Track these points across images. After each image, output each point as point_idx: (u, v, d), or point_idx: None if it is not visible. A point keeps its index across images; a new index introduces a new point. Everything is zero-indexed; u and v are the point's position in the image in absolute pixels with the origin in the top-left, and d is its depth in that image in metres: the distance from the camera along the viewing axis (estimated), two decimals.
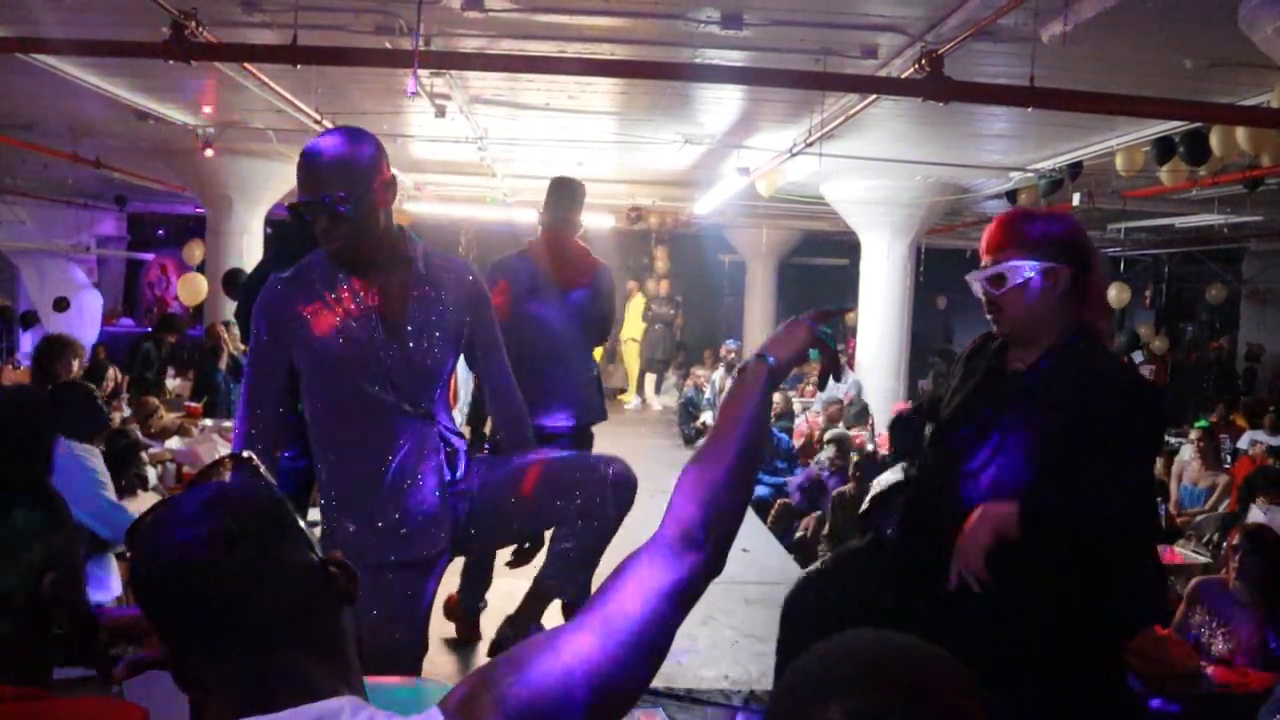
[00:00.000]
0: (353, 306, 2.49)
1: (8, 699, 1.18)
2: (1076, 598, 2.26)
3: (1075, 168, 8.10)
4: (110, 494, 3.97)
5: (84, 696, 1.31)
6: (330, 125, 7.10)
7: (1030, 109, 5.16)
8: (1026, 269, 2.34)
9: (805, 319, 1.57)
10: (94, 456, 3.99)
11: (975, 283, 2.43)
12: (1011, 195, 9.77)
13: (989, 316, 2.45)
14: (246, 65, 5.68)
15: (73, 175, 10.82)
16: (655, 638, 1.19)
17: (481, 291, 2.74)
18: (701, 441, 1.35)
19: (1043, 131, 7.41)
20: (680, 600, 1.23)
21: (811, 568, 2.94)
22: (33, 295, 13.42)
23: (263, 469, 1.25)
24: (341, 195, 2.36)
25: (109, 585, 3.92)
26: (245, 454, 1.30)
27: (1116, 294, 13.58)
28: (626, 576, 1.22)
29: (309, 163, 2.41)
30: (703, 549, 1.26)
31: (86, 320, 13.90)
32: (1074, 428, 2.27)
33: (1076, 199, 8.90)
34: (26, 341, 12.92)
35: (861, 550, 2.74)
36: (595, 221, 13.89)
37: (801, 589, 2.69)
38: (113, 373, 7.84)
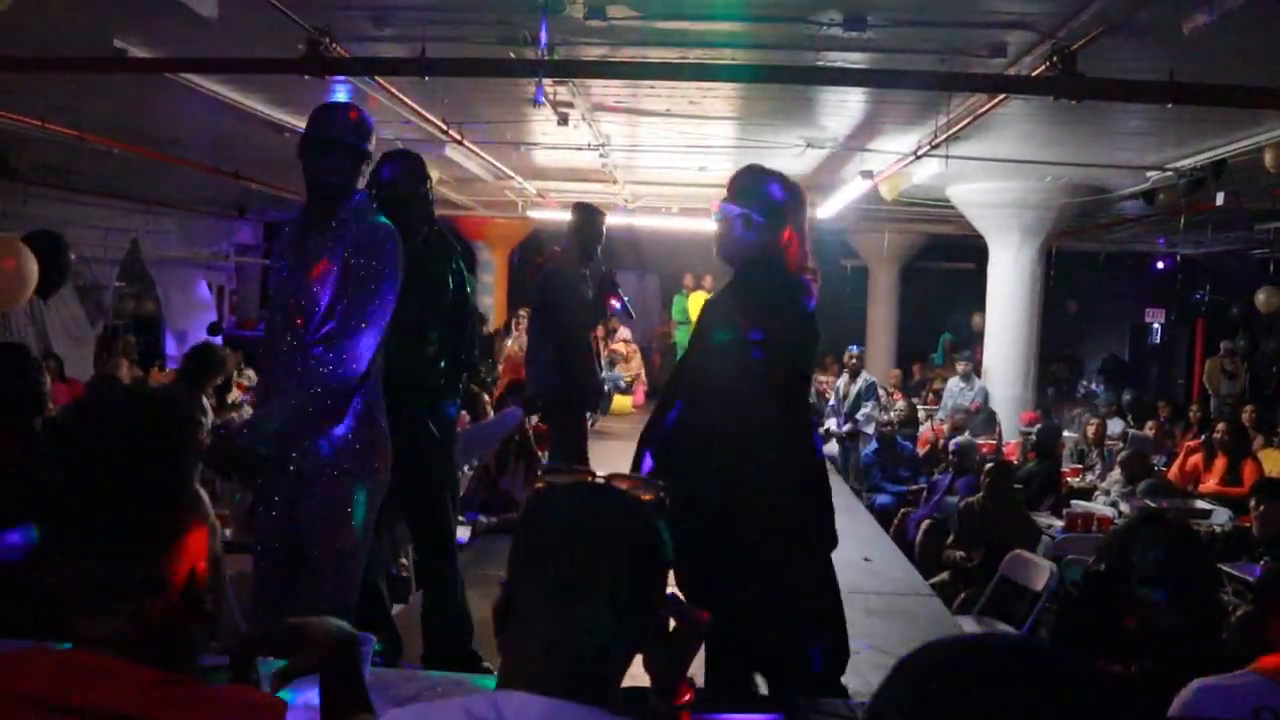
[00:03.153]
0: None
1: (151, 684, 1.22)
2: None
3: (1218, 165, 7.72)
4: None
5: (225, 685, 1.35)
6: (456, 135, 7.26)
7: (1169, 105, 4.96)
8: (731, 212, 3.04)
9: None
10: None
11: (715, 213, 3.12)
12: (1149, 196, 9.34)
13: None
14: (377, 78, 5.86)
15: (213, 187, 11.31)
16: None
17: None
18: None
19: (1182, 128, 7.09)
20: None
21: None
22: (165, 306, 13.70)
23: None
24: None
25: None
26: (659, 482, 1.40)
27: (1265, 299, 12.84)
28: None
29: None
30: None
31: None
32: None
33: (1220, 198, 8.48)
34: (171, 345, 13.48)
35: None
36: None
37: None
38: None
